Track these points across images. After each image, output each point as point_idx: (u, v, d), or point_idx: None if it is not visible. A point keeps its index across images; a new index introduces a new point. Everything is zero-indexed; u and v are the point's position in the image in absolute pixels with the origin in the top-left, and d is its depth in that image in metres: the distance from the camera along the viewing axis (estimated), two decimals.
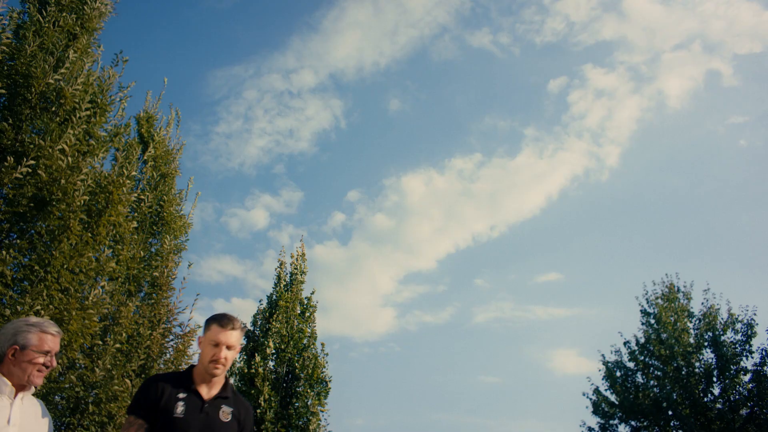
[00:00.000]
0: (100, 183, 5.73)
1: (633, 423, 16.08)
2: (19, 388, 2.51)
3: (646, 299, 17.48)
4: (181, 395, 2.65)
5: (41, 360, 2.51)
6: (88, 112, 5.77)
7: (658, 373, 16.08)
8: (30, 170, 4.93)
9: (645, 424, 15.80)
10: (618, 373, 16.82)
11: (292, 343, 11.01)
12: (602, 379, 17.08)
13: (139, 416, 2.61)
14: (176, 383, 2.69)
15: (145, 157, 7.46)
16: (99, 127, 6.15)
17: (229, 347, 2.74)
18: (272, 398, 10.65)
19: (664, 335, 16.20)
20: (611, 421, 16.56)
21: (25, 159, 4.96)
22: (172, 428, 2.57)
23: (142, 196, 6.71)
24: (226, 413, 2.71)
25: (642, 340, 16.76)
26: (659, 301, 17.19)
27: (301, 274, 11.25)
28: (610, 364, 17.11)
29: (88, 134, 5.97)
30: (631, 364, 16.80)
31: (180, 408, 2.60)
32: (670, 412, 15.29)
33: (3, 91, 4.91)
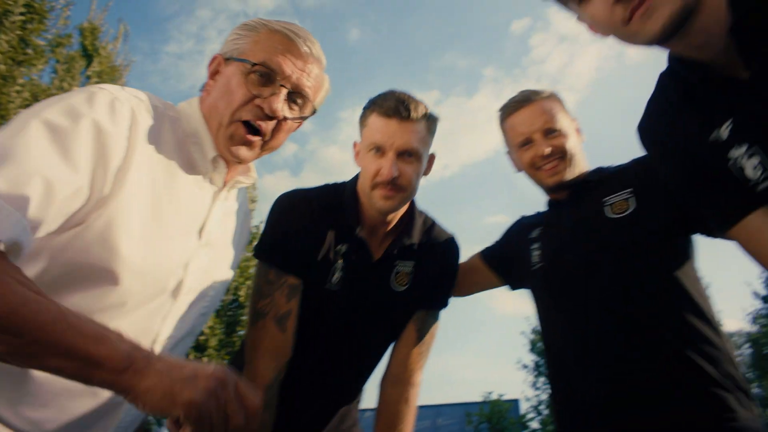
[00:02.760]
0: (37, 96, 5.42)
1: None
2: (232, 163, 1.25)
3: None
4: (343, 248, 1.59)
5: (243, 94, 1.16)
6: (23, 17, 5.38)
7: None
8: None
9: None
10: None
11: (238, 271, 11.05)
12: None
13: (284, 271, 1.54)
14: (337, 222, 1.61)
15: (89, 72, 7.07)
16: (37, 34, 5.75)
17: (403, 153, 1.52)
18: (216, 326, 10.81)
19: None
20: None
21: None
22: (325, 308, 1.58)
23: None
24: (402, 276, 1.64)
25: None
26: None
27: (251, 202, 11.17)
28: None
29: (24, 41, 5.58)
30: None
31: (337, 274, 1.57)
32: None
33: None
